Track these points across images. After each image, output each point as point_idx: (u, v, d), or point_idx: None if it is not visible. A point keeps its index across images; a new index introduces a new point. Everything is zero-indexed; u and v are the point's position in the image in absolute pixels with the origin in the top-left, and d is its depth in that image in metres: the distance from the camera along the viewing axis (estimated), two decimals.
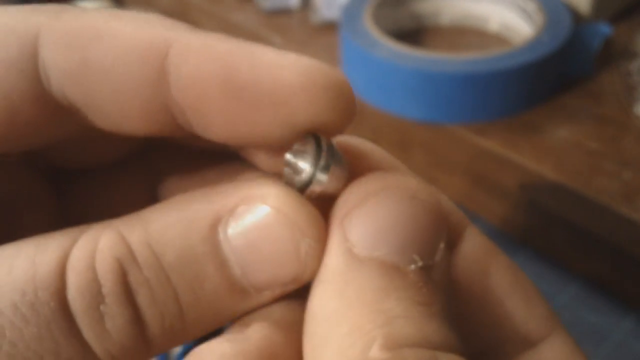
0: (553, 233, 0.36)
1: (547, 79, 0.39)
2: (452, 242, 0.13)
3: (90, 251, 0.11)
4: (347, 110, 0.12)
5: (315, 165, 0.12)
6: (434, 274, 0.11)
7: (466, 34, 0.46)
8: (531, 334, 0.13)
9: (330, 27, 0.48)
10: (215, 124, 0.12)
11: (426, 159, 0.42)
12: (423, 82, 0.37)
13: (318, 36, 0.48)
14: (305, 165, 0.12)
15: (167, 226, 0.11)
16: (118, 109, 0.12)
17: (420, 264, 0.11)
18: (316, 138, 0.12)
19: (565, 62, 0.39)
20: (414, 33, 0.47)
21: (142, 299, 0.11)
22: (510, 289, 0.13)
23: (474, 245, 0.13)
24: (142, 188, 0.16)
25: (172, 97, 0.12)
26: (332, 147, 0.12)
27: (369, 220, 0.11)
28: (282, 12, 0.51)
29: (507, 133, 0.37)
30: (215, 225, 0.11)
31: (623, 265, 0.33)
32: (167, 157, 0.16)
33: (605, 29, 0.39)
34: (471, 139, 0.37)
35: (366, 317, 0.10)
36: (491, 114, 0.38)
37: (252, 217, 0.11)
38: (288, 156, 0.12)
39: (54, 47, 0.11)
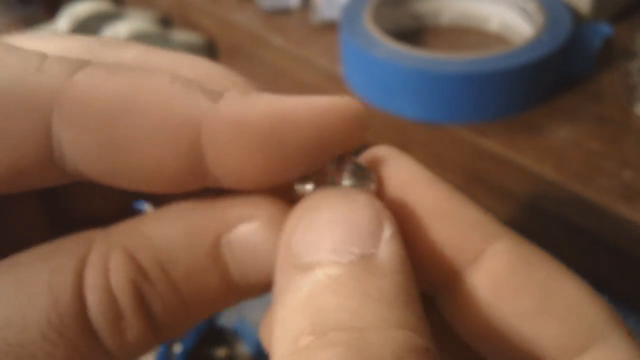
0: (553, 233, 0.36)
1: (547, 79, 0.39)
2: (474, 256, 0.13)
3: (103, 273, 0.12)
4: (363, 129, 0.13)
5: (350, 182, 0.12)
6: (377, 260, 0.11)
7: (466, 34, 0.46)
8: (569, 346, 0.12)
9: (330, 26, 0.48)
10: (250, 180, 0.12)
11: (426, 159, 0.42)
12: (423, 81, 0.37)
13: (318, 36, 0.48)
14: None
15: (172, 243, 0.12)
16: (145, 180, 0.12)
17: (358, 253, 0.11)
18: (342, 157, 0.13)
19: (566, 62, 0.39)
20: (414, 33, 0.47)
21: (156, 309, 0.12)
22: (544, 302, 0.12)
23: (501, 260, 0.13)
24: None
25: (206, 167, 0.12)
26: (359, 165, 0.13)
27: (307, 230, 0.12)
28: (282, 12, 0.51)
29: (507, 133, 0.37)
30: (218, 241, 0.13)
31: (623, 265, 0.33)
32: None
33: (605, 28, 0.39)
34: (471, 138, 0.37)
35: (300, 315, 0.11)
36: (491, 113, 0.38)
37: (250, 234, 0.13)
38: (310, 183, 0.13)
39: (69, 123, 0.11)
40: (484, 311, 0.13)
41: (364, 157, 0.14)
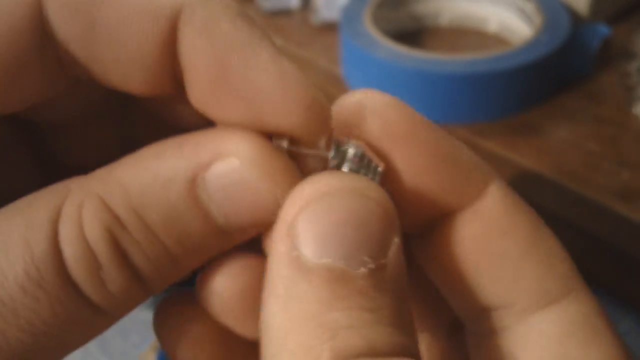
0: None
1: (546, 80, 0.39)
2: (470, 199, 0.13)
3: (77, 223, 0.11)
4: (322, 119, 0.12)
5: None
6: (386, 273, 0.11)
7: (465, 35, 0.47)
8: (549, 292, 0.13)
9: (330, 27, 0.48)
10: (206, 99, 0.12)
11: None
12: (422, 82, 0.37)
13: (318, 37, 0.48)
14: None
15: (145, 187, 0.12)
16: (123, 69, 0.12)
17: (371, 265, 0.11)
18: (345, 145, 0.12)
19: (564, 62, 0.39)
20: (413, 34, 0.47)
21: (136, 258, 0.12)
22: (529, 247, 0.13)
23: (494, 203, 0.13)
24: (112, 133, 0.16)
25: (178, 62, 0.12)
26: (360, 153, 0.12)
27: (316, 226, 0.11)
28: (283, 13, 0.51)
29: (506, 133, 0.37)
30: (193, 182, 0.12)
31: (622, 265, 0.33)
32: (138, 109, 0.15)
33: (603, 29, 0.40)
34: (470, 139, 0.37)
35: (311, 332, 0.10)
36: (490, 114, 0.38)
37: (228, 171, 0.12)
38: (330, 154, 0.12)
39: (59, 10, 0.11)
40: (473, 250, 0.13)
41: (368, 135, 0.13)
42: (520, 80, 0.37)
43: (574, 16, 0.43)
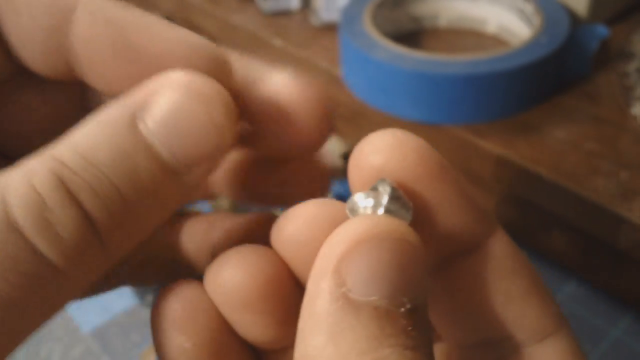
0: (550, 233, 0.36)
1: (545, 80, 0.39)
2: (483, 240, 0.14)
3: (24, 173, 0.11)
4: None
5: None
6: (420, 313, 0.12)
7: (464, 36, 0.47)
8: (545, 327, 0.14)
9: (330, 28, 0.48)
10: (105, 79, 0.13)
11: None
12: (422, 83, 0.37)
13: (318, 38, 0.48)
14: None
15: (91, 135, 0.12)
16: (25, 46, 0.14)
17: (408, 306, 0.11)
18: (382, 186, 0.13)
19: (563, 63, 0.40)
20: (412, 35, 0.47)
21: (85, 198, 0.12)
22: (529, 287, 0.14)
23: (502, 246, 0.14)
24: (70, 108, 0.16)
25: (71, 47, 0.13)
26: (396, 194, 0.13)
27: (364, 265, 0.11)
28: (283, 14, 0.52)
29: (505, 134, 0.37)
30: (133, 119, 0.12)
31: (620, 265, 0.34)
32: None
33: (602, 30, 0.40)
34: (469, 139, 0.37)
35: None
36: (489, 114, 0.38)
37: (164, 102, 0.12)
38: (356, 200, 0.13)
39: None
40: (479, 286, 0.14)
41: (398, 179, 0.13)
42: (519, 80, 0.37)
43: (573, 17, 0.43)
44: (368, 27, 0.41)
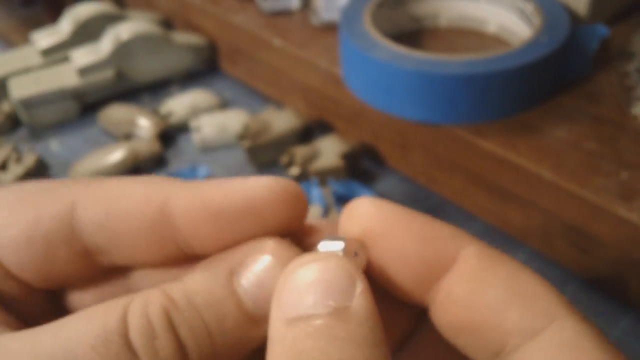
0: (551, 233, 0.36)
1: (545, 80, 0.39)
2: (444, 268, 0.15)
3: (143, 303, 0.15)
4: (301, 210, 0.16)
5: None
6: (351, 313, 0.14)
7: (465, 36, 0.47)
8: (532, 327, 0.14)
9: (330, 28, 0.48)
10: (209, 245, 0.16)
11: (425, 159, 0.42)
12: (422, 83, 0.37)
13: (318, 37, 0.48)
14: None
15: (197, 281, 0.16)
16: (134, 246, 0.16)
17: (333, 306, 0.13)
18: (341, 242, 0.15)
19: (563, 63, 0.40)
20: (412, 34, 0.47)
21: (184, 332, 0.15)
22: (509, 295, 0.15)
23: (468, 264, 0.15)
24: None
25: (177, 231, 0.16)
26: (333, 236, 0.16)
27: (292, 290, 0.14)
28: (283, 14, 0.52)
29: (505, 133, 0.37)
30: (231, 275, 0.16)
31: (620, 265, 0.34)
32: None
33: (602, 30, 0.40)
34: (469, 139, 0.37)
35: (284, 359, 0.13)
36: (490, 114, 0.38)
37: (257, 264, 0.16)
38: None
39: (85, 205, 0.16)
40: (461, 307, 0.15)
41: (343, 227, 0.16)
42: (519, 80, 0.37)
43: (573, 17, 0.43)
44: (368, 27, 0.41)
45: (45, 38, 0.56)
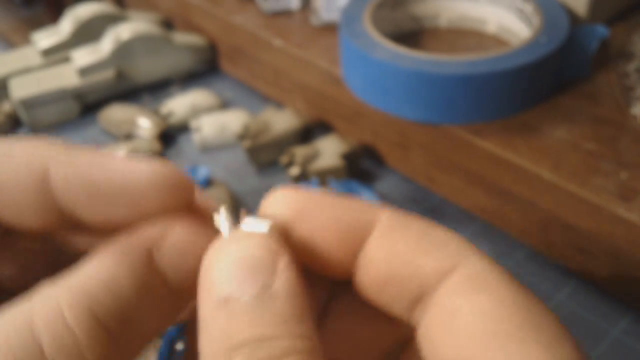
0: (550, 233, 0.36)
1: (545, 80, 0.39)
2: (363, 236, 0.16)
3: (53, 307, 0.14)
4: (184, 196, 0.17)
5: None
6: (276, 289, 0.14)
7: (464, 36, 0.47)
8: (444, 269, 0.15)
9: (330, 28, 0.48)
10: (87, 216, 0.16)
11: (425, 159, 0.42)
12: (422, 83, 0.37)
13: (318, 38, 0.48)
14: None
15: (112, 265, 0.15)
16: (17, 207, 0.16)
17: (259, 285, 0.14)
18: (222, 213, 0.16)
19: (563, 63, 0.40)
20: (412, 35, 0.47)
21: (106, 317, 0.14)
22: (420, 247, 0.15)
23: (383, 227, 0.16)
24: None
25: (55, 198, 0.16)
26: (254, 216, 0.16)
27: (219, 270, 0.14)
28: (283, 14, 0.52)
29: (504, 134, 0.37)
30: (150, 252, 0.16)
31: (620, 265, 0.34)
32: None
33: (602, 30, 0.40)
34: (469, 139, 0.37)
35: (218, 340, 0.13)
36: (489, 114, 0.38)
37: (176, 240, 0.16)
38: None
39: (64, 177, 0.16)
40: (379, 265, 0.15)
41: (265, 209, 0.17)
42: (519, 80, 0.37)
43: (573, 17, 0.43)
44: (368, 27, 0.42)
45: (45, 38, 0.56)
